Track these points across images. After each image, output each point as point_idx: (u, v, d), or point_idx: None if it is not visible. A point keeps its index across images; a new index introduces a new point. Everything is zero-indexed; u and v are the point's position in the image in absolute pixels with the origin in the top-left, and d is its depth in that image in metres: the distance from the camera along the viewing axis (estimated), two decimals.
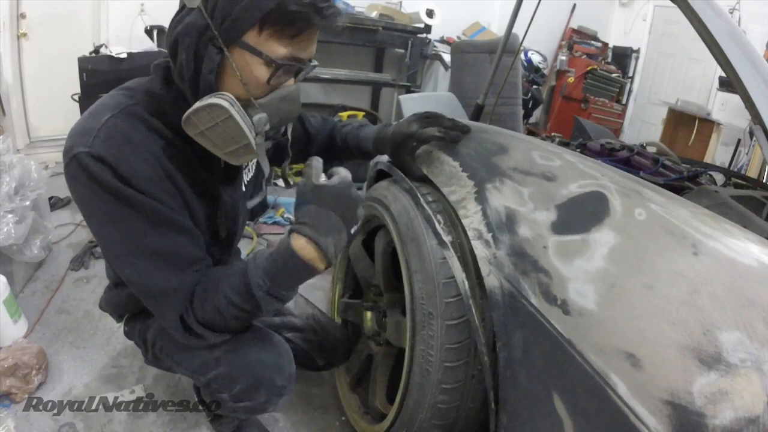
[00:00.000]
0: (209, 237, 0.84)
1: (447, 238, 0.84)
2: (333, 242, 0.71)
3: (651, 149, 1.41)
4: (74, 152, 0.65)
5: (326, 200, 0.72)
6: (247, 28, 0.64)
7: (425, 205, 0.91)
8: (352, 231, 0.74)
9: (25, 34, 2.65)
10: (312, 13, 0.65)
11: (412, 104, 2.17)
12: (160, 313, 0.76)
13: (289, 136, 0.82)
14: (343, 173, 0.74)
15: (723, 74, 1.15)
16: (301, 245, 0.70)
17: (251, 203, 0.97)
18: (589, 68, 4.29)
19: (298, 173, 2.89)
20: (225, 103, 0.65)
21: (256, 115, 0.69)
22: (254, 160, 0.96)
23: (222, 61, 0.66)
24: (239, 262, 0.77)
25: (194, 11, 0.65)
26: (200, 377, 0.88)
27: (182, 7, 0.68)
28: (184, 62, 0.67)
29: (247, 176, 0.94)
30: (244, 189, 0.94)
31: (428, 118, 0.97)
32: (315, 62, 0.75)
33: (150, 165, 0.69)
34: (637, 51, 4.65)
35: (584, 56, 4.38)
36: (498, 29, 3.91)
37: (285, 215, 2.42)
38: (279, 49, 0.66)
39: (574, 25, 4.55)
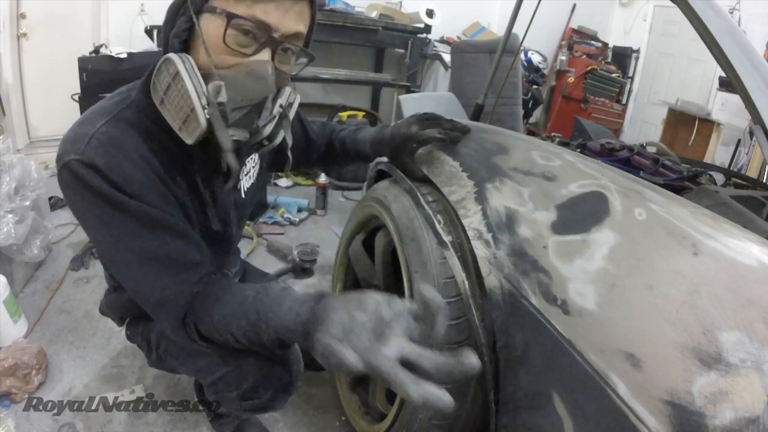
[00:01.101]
0: (206, 241, 0.83)
1: (447, 238, 0.84)
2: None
3: (651, 149, 1.41)
4: (65, 160, 0.65)
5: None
6: None
7: (425, 205, 0.91)
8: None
9: (25, 34, 2.65)
10: None
11: (412, 104, 2.17)
12: (158, 320, 0.75)
13: (289, 141, 0.78)
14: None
15: (723, 74, 1.15)
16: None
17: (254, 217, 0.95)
18: (589, 68, 4.29)
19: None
20: (175, 58, 0.64)
21: (211, 83, 0.64)
22: (256, 166, 0.95)
23: (189, 27, 0.67)
24: (244, 293, 0.70)
25: None
26: (206, 377, 0.87)
27: None
28: (162, 39, 0.68)
29: (247, 182, 0.93)
30: (243, 195, 0.92)
31: (427, 120, 0.96)
32: (311, 53, 0.73)
33: (143, 170, 0.68)
34: (637, 51, 4.65)
35: (584, 56, 4.38)
36: (498, 29, 3.91)
37: (285, 215, 2.42)
38: (238, 6, 0.64)
39: (574, 25, 4.55)
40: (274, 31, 0.66)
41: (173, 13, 0.68)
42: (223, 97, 0.64)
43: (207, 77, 0.65)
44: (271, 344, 0.67)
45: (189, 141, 0.66)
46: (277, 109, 0.73)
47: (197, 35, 0.66)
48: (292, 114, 0.77)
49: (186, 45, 0.68)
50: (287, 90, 0.76)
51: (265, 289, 0.70)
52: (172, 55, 0.64)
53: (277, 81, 0.70)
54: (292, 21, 0.68)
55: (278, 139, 0.75)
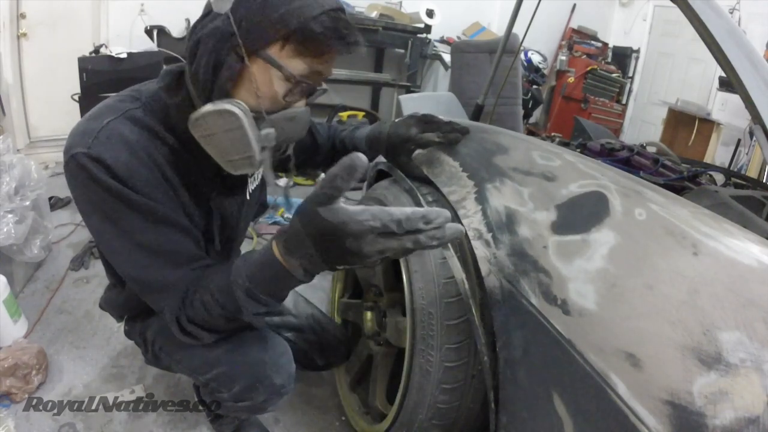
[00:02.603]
0: (206, 243, 0.84)
1: None
2: (303, 268, 0.62)
3: (651, 149, 1.41)
4: (73, 152, 0.66)
5: (312, 228, 0.58)
6: (271, 41, 0.65)
7: (425, 205, 0.91)
8: (344, 267, 0.61)
9: (25, 34, 2.65)
10: (334, 39, 0.66)
11: (412, 104, 2.17)
12: (159, 309, 0.76)
13: (292, 156, 0.82)
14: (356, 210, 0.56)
15: (723, 74, 1.15)
16: (279, 252, 0.64)
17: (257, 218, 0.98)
18: (589, 68, 4.29)
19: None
20: (239, 112, 0.66)
21: (264, 130, 0.69)
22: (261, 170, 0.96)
23: (241, 70, 0.67)
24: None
25: (221, 17, 0.65)
26: (200, 376, 0.88)
27: (208, 11, 0.68)
28: (203, 65, 0.67)
29: (252, 185, 0.94)
30: (248, 197, 0.93)
31: (426, 123, 0.96)
32: (325, 87, 0.75)
33: (148, 168, 0.70)
34: (637, 51, 4.65)
35: (584, 56, 4.39)
36: (498, 29, 3.91)
37: (285, 215, 2.42)
38: (298, 66, 0.67)
39: (574, 25, 4.55)
40: (320, 83, 0.72)
41: (219, 45, 0.66)
42: (273, 142, 0.70)
43: (257, 121, 0.68)
44: (241, 296, 0.67)
45: (234, 172, 0.72)
46: None
47: (246, 79, 0.67)
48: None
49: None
50: None
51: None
52: (235, 109, 0.66)
53: None
54: (331, 68, 0.73)
55: (290, 150, 0.81)
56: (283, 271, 0.63)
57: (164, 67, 0.77)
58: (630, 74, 4.72)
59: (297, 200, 2.44)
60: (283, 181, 0.95)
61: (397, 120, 1.01)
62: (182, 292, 0.73)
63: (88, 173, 0.66)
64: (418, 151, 1.00)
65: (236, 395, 0.85)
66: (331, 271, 0.71)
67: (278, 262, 0.63)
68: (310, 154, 1.08)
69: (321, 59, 0.68)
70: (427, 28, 3.35)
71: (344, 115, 3.07)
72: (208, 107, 0.66)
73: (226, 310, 0.70)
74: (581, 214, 0.68)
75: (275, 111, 0.70)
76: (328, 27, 0.65)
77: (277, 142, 0.71)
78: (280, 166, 1.08)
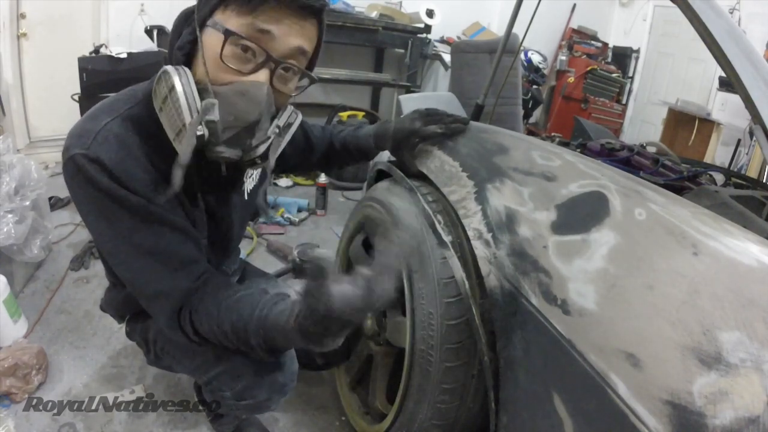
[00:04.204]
0: (206, 242, 0.84)
1: (447, 238, 0.84)
2: (329, 343, 0.62)
3: (651, 149, 1.41)
4: (71, 153, 0.66)
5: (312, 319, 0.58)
6: (215, 6, 0.65)
7: (425, 205, 0.91)
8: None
9: (25, 34, 2.64)
10: None
11: (412, 104, 2.16)
12: (153, 313, 0.77)
13: (271, 162, 0.73)
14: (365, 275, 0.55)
15: (723, 74, 1.15)
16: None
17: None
18: (589, 68, 4.28)
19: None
20: (172, 71, 0.64)
21: (205, 100, 0.63)
22: (258, 169, 0.94)
23: (193, 40, 0.67)
24: (247, 293, 0.74)
25: None
26: (202, 375, 0.88)
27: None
28: (168, 47, 0.69)
29: (251, 183, 0.94)
30: (246, 197, 0.92)
31: (429, 116, 0.99)
32: (313, 75, 0.72)
33: (145, 169, 0.70)
34: (637, 51, 4.64)
35: (584, 56, 4.38)
36: (498, 29, 3.91)
37: (285, 215, 2.42)
38: (238, 24, 0.64)
39: (574, 25, 4.55)
40: (274, 51, 0.66)
41: (181, 22, 0.69)
42: (214, 116, 0.63)
43: (203, 92, 0.65)
44: (258, 345, 0.70)
45: (180, 153, 0.65)
46: (273, 130, 0.72)
47: (199, 48, 0.66)
48: (289, 135, 0.75)
49: (188, 57, 0.69)
50: (288, 110, 0.75)
51: (262, 291, 0.73)
52: (169, 68, 0.64)
53: (277, 101, 0.70)
54: (296, 38, 0.67)
55: (272, 159, 0.73)
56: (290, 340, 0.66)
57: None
58: (630, 74, 4.72)
59: (297, 200, 2.46)
60: (283, 182, 0.95)
61: (401, 116, 1.02)
62: (178, 300, 0.73)
63: (86, 174, 0.66)
64: (420, 146, 1.01)
65: (238, 393, 0.85)
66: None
67: (290, 333, 0.64)
68: (305, 154, 1.08)
69: (260, 12, 0.63)
70: (427, 28, 3.35)
71: (344, 115, 3.07)
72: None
73: (239, 347, 0.73)
74: (581, 214, 0.68)
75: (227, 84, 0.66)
76: None
77: (223, 118, 0.64)
78: (280, 168, 1.08)
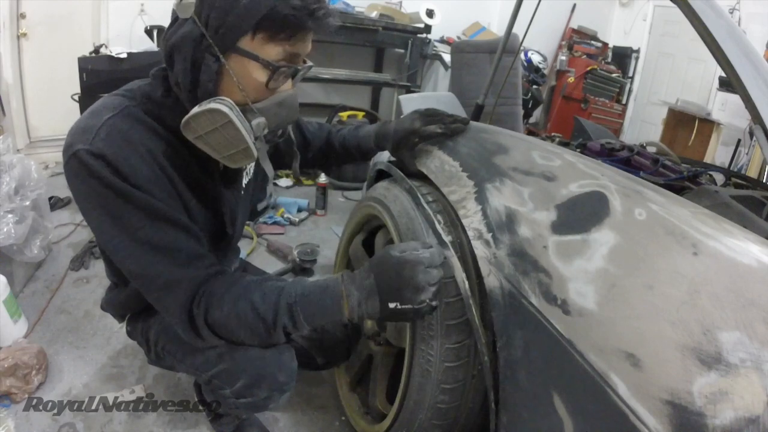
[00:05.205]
0: (208, 238, 0.84)
1: (447, 238, 0.84)
2: (357, 300, 0.73)
3: (651, 149, 1.41)
4: (74, 149, 0.66)
5: (377, 260, 0.75)
6: (241, 34, 0.66)
7: (425, 205, 0.91)
8: (396, 306, 0.72)
9: (25, 34, 2.65)
10: (304, 16, 0.66)
11: (412, 104, 2.16)
12: (165, 306, 0.76)
13: (293, 137, 0.84)
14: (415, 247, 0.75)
15: (723, 74, 1.15)
16: (343, 280, 0.76)
17: (260, 205, 1.00)
18: (589, 68, 4.29)
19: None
20: (225, 108, 0.66)
21: (254, 120, 0.70)
22: (252, 163, 0.96)
23: (219, 68, 0.68)
24: (268, 277, 0.80)
25: (188, 21, 0.66)
26: (202, 374, 0.89)
27: (175, 18, 0.69)
28: (181, 72, 0.68)
29: (245, 178, 0.95)
30: (242, 192, 0.94)
31: (429, 116, 0.99)
32: (310, 63, 0.76)
33: (149, 164, 0.70)
34: (637, 51, 4.64)
35: (584, 56, 4.38)
36: (498, 29, 3.91)
37: (285, 215, 2.42)
38: (274, 52, 0.67)
39: (574, 25, 4.55)
40: (298, 64, 0.73)
41: (191, 48, 0.67)
42: (266, 131, 0.72)
43: (246, 113, 0.69)
44: (283, 306, 0.74)
45: (233, 166, 0.73)
46: None
47: (226, 75, 0.68)
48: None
49: (215, 84, 0.70)
50: None
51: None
52: (220, 107, 0.66)
53: None
54: (309, 45, 0.73)
55: (289, 134, 0.84)
56: (337, 297, 0.73)
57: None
58: (630, 74, 4.72)
59: (297, 200, 2.46)
60: (283, 182, 0.98)
61: (401, 116, 1.03)
62: (191, 290, 0.74)
63: (90, 170, 0.66)
64: (420, 146, 1.01)
65: (238, 392, 0.85)
66: (381, 314, 0.73)
67: (338, 288, 0.74)
68: (300, 149, 1.08)
69: (294, 40, 0.68)
70: (427, 28, 3.35)
71: (344, 115, 3.07)
72: (195, 110, 0.67)
73: (263, 321, 0.74)
74: (581, 214, 0.68)
75: (262, 100, 0.71)
76: (296, 6, 0.65)
77: (270, 128, 0.72)
78: (275, 162, 1.09)
